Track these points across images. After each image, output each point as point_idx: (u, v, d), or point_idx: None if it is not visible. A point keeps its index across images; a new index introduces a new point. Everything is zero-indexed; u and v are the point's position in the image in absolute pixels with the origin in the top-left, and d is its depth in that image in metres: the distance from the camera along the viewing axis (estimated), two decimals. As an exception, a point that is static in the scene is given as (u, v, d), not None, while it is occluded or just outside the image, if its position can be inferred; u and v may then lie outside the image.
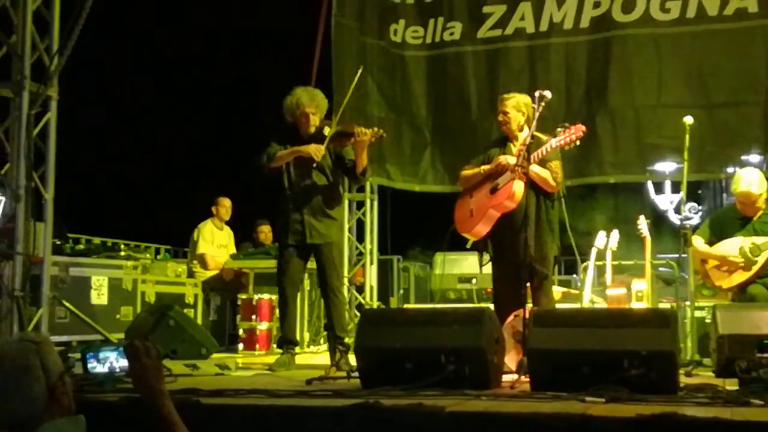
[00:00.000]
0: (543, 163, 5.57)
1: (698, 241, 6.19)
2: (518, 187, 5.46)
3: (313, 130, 6.03)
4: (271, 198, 6.16)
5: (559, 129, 5.54)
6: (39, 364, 2.50)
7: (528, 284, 5.57)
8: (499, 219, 5.51)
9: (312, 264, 6.33)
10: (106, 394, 4.02)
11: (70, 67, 6.44)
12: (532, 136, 5.59)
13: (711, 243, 6.22)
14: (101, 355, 4.35)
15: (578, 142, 5.53)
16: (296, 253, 6.05)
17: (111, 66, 11.22)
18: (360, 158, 5.92)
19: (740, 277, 6.03)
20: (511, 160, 5.56)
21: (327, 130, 5.95)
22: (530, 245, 5.40)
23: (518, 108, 5.74)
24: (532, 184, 5.52)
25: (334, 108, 6.48)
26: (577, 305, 6.39)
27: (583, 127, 5.50)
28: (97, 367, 4.31)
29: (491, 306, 5.93)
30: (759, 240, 5.98)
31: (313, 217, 5.98)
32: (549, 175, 5.59)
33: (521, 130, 5.79)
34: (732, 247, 6.07)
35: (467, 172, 5.87)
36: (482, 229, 5.56)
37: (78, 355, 4.45)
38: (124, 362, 4.05)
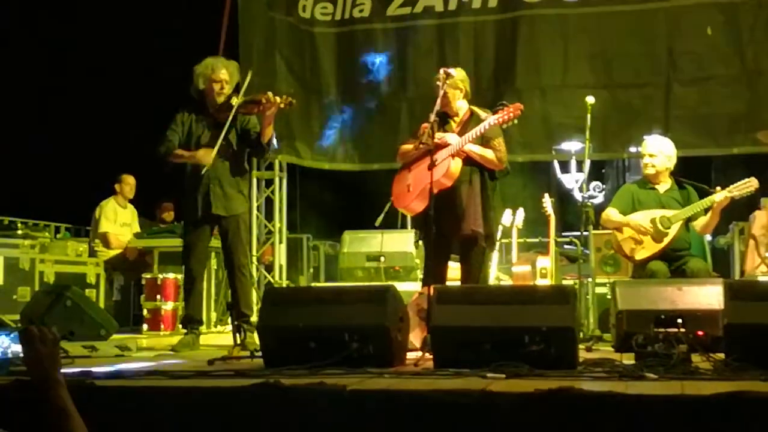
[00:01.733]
0: (485, 140, 5.56)
1: (613, 212, 6.25)
2: (455, 164, 5.47)
3: (222, 99, 5.93)
4: (174, 176, 6.03)
5: (498, 107, 5.53)
6: None
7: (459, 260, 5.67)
8: (440, 195, 5.41)
9: (218, 242, 6.24)
10: (-5, 378, 3.87)
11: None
12: (471, 112, 5.66)
13: (625, 214, 6.28)
14: (-6, 339, 4.17)
15: (516, 121, 5.50)
16: (201, 227, 5.95)
17: (5, 34, 10.79)
18: (266, 128, 5.84)
19: (652, 248, 6.09)
20: (451, 138, 5.53)
21: (235, 100, 5.86)
22: (476, 221, 5.50)
23: (455, 85, 5.68)
24: (474, 162, 5.55)
25: (240, 84, 6.36)
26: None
27: (521, 106, 5.48)
28: (-11, 352, 4.14)
29: (400, 285, 5.98)
30: (669, 212, 6.10)
31: (219, 188, 5.89)
32: (492, 153, 5.58)
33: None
34: (643, 218, 6.15)
35: (406, 146, 5.76)
36: (418, 205, 5.50)
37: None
38: (17, 347, 3.91)
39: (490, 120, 5.49)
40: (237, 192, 5.99)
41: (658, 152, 6.23)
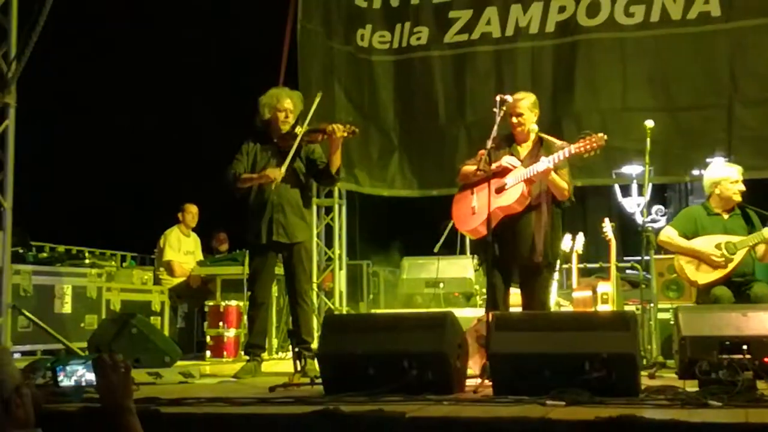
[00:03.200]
0: (555, 169, 5.52)
1: (673, 232, 6.20)
2: (528, 190, 5.48)
3: (287, 128, 6.02)
4: (230, 206, 6.12)
5: (580, 135, 5.49)
6: None
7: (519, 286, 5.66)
8: (508, 220, 5.46)
9: (280, 270, 6.31)
10: (66, 405, 3.96)
11: (29, 73, 6.37)
12: (540, 138, 5.67)
13: (686, 237, 6.22)
14: (69, 368, 4.28)
15: (598, 151, 5.45)
16: (266, 254, 6.02)
17: (71, 71, 11.09)
18: (334, 156, 5.92)
19: (717, 273, 6.02)
20: (516, 162, 5.55)
21: (299, 129, 5.95)
22: (544, 249, 5.49)
23: (531, 108, 5.68)
24: (546, 189, 5.54)
25: (303, 115, 6.45)
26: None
27: (605, 137, 5.43)
28: (64, 381, 4.25)
29: (459, 311, 5.98)
30: (735, 239, 6.03)
31: (283, 216, 5.96)
32: (565, 183, 5.54)
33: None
34: (707, 243, 6.09)
35: (468, 168, 5.69)
36: (483, 228, 5.40)
37: (48, 367, 4.37)
38: (91, 376, 3.99)
39: (571, 148, 5.43)
40: (300, 220, 6.06)
41: (731, 182, 6.20)
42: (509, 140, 5.73)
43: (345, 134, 5.85)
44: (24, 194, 6.53)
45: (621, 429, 3.13)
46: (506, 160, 5.57)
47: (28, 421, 2.49)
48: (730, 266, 6.00)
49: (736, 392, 3.74)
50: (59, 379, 4.20)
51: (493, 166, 5.54)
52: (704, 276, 6.05)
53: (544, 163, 5.43)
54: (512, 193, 5.49)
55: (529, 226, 5.53)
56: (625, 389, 3.91)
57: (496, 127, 5.42)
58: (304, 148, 6.01)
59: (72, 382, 4.20)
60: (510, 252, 5.51)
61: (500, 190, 5.50)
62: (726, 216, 6.21)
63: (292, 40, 9.10)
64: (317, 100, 6.11)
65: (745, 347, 4.54)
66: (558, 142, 5.59)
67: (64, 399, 4.12)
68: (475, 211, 5.54)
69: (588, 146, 5.39)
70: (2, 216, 6.36)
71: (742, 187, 6.23)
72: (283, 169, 5.86)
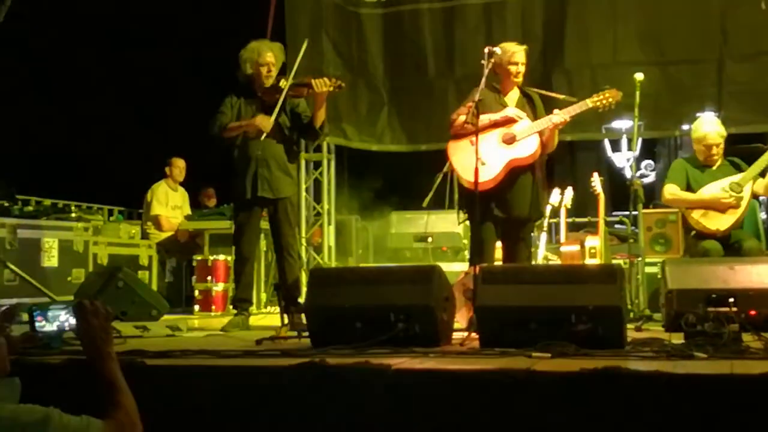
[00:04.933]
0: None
1: (675, 189, 6.21)
2: (541, 142, 5.55)
3: (270, 82, 5.95)
4: (218, 161, 6.07)
5: (602, 89, 5.68)
6: None
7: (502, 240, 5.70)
8: (512, 174, 5.53)
9: (266, 224, 6.28)
10: (49, 357, 3.95)
11: (8, 23, 6.26)
12: (522, 91, 5.73)
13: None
14: (50, 313, 4.27)
15: (613, 106, 5.63)
16: (251, 209, 6.00)
17: (57, 19, 10.93)
18: (318, 111, 5.86)
19: (733, 215, 6.05)
20: (520, 113, 5.59)
21: (283, 83, 5.88)
22: (537, 203, 5.62)
23: (524, 60, 5.71)
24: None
25: (288, 66, 6.38)
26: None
27: (620, 93, 5.63)
28: (45, 326, 4.24)
29: (448, 265, 5.98)
30: (735, 178, 6.07)
31: (267, 171, 5.91)
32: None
33: None
34: (713, 190, 6.11)
35: (461, 117, 5.56)
36: (495, 180, 5.48)
37: (26, 316, 4.36)
38: (74, 321, 3.98)
39: (588, 102, 5.58)
40: (285, 175, 6.01)
41: (720, 137, 6.20)
42: (496, 92, 5.71)
43: (330, 88, 5.79)
44: (9, 148, 6.46)
45: (606, 380, 3.13)
46: (512, 112, 5.59)
47: (4, 370, 2.49)
48: (743, 204, 6.06)
49: (721, 344, 3.75)
50: (37, 324, 4.20)
51: (497, 116, 5.54)
52: (723, 221, 6.08)
53: (560, 116, 5.50)
54: (528, 144, 5.53)
55: (528, 180, 5.56)
56: (611, 342, 3.92)
57: (484, 80, 5.38)
58: (288, 101, 5.95)
59: (54, 327, 4.20)
60: (506, 206, 5.52)
61: (510, 141, 5.50)
62: (714, 167, 6.24)
63: (279, -8, 9.00)
64: (303, 47, 6.03)
65: (731, 300, 4.55)
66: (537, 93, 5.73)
67: (41, 343, 4.12)
68: (484, 162, 5.46)
69: (605, 101, 5.58)
70: (-14, 169, 6.30)
71: (719, 147, 6.23)
72: (272, 119, 5.81)
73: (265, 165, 5.91)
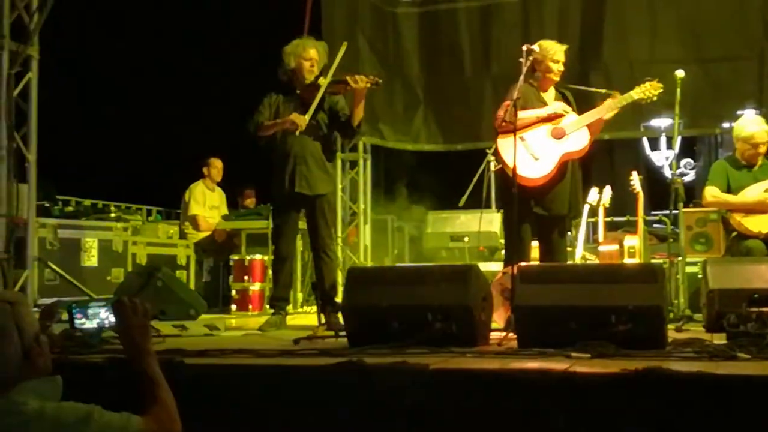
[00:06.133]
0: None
1: (716, 191, 6.17)
2: (590, 135, 5.62)
3: (311, 78, 5.96)
4: (257, 161, 6.09)
5: (645, 80, 5.77)
6: (13, 325, 2.47)
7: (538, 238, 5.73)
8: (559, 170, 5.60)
9: (304, 224, 6.29)
10: (90, 356, 3.99)
11: (52, 24, 6.34)
12: (560, 91, 5.78)
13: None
14: (90, 311, 4.32)
15: (655, 98, 5.73)
16: (289, 208, 6.00)
17: (95, 23, 11.05)
18: (356, 109, 5.85)
19: None
20: (566, 108, 5.66)
21: (322, 80, 5.89)
22: (576, 201, 5.71)
23: (562, 59, 5.76)
24: None
25: (327, 66, 6.39)
26: (569, 261, 6.35)
27: (661, 86, 5.71)
28: (85, 323, 4.29)
29: (485, 264, 5.97)
30: None
31: (305, 167, 5.91)
32: None
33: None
34: (756, 192, 6.05)
35: (514, 113, 5.43)
36: (548, 176, 5.55)
37: (65, 314, 4.41)
38: (113, 318, 4.02)
39: (633, 94, 5.67)
40: (323, 172, 6.00)
41: (767, 135, 6.13)
42: (534, 88, 5.72)
43: (368, 85, 5.78)
44: (50, 148, 6.54)
45: (647, 381, 3.09)
46: (559, 106, 5.64)
47: (47, 368, 2.52)
48: None
49: (765, 345, 3.69)
50: (77, 321, 4.24)
51: (542, 112, 5.57)
52: (766, 222, 6.01)
53: (610, 109, 5.58)
54: (579, 138, 5.58)
55: (568, 176, 5.57)
56: (652, 342, 3.86)
57: (522, 77, 5.36)
58: (327, 99, 5.95)
59: (94, 325, 4.25)
60: (547, 203, 5.54)
61: (560, 135, 5.51)
62: (755, 167, 6.17)
63: (316, -7, 9.02)
64: (342, 50, 6.03)
65: (774, 300, 4.47)
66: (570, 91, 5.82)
67: (80, 341, 4.16)
68: (537, 158, 5.50)
69: (648, 92, 5.67)
70: (27, 169, 6.38)
71: (765, 146, 6.15)
72: (308, 116, 5.81)
73: (303, 162, 5.91)
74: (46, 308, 4.19)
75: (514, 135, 5.19)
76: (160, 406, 2.55)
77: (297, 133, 5.81)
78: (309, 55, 5.96)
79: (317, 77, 5.98)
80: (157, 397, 2.57)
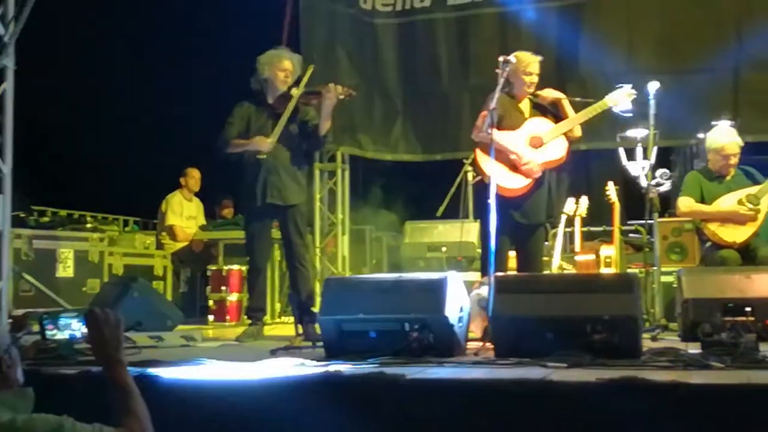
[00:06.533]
0: None
1: (690, 201, 6.21)
2: (567, 143, 5.72)
3: (284, 89, 5.96)
4: (235, 169, 6.08)
5: (615, 88, 5.93)
6: None
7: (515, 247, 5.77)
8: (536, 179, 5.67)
9: (279, 234, 6.28)
10: (63, 368, 3.96)
11: (27, 35, 6.29)
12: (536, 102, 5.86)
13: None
14: (61, 322, 4.29)
15: (629, 104, 5.89)
16: (262, 218, 5.99)
17: (71, 32, 10.99)
18: (325, 119, 5.86)
19: (751, 227, 6.06)
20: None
21: (295, 91, 5.89)
22: (551, 205, 5.78)
23: (537, 70, 5.84)
24: None
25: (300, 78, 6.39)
26: (546, 271, 6.38)
27: (634, 92, 5.87)
28: (57, 334, 4.26)
29: (463, 275, 5.96)
30: (752, 190, 6.07)
31: (277, 178, 5.91)
32: None
33: None
34: (729, 202, 6.09)
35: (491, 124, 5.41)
36: (527, 185, 5.63)
37: (36, 325, 4.37)
38: (84, 329, 4.00)
39: (607, 101, 5.80)
40: (295, 182, 6.00)
41: (738, 148, 6.19)
42: (510, 99, 5.80)
43: (342, 96, 5.80)
44: (25, 158, 6.48)
45: (622, 390, 3.11)
46: (533, 127, 5.74)
47: (17, 381, 2.50)
48: (761, 216, 6.06)
49: (738, 354, 3.72)
50: (48, 332, 4.21)
51: (515, 149, 5.61)
52: (740, 233, 6.08)
53: (585, 116, 5.72)
54: (557, 147, 5.67)
55: (545, 185, 5.63)
56: (627, 351, 3.90)
57: (498, 88, 5.38)
58: (301, 109, 5.96)
59: (65, 336, 4.22)
60: (526, 212, 5.58)
61: (538, 145, 5.56)
62: (728, 177, 6.22)
63: (294, 3, 9.02)
64: (308, 73, 6.05)
65: (748, 309, 4.52)
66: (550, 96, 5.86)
67: (54, 352, 4.13)
68: (517, 168, 5.61)
69: (621, 99, 5.83)
70: (2, 180, 6.32)
71: (736, 158, 6.23)
72: (274, 137, 5.82)
73: (275, 172, 5.91)
74: (16, 319, 4.16)
75: (491, 145, 5.21)
76: (132, 417, 2.54)
77: (258, 157, 5.81)
78: (284, 66, 5.97)
79: (289, 88, 5.98)
80: (129, 409, 2.55)
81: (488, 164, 5.53)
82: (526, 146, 5.63)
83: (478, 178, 5.91)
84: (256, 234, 6.02)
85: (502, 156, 5.56)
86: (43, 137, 10.27)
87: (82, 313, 3.73)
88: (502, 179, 5.44)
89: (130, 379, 2.63)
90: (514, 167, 5.62)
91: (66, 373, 3.82)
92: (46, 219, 7.90)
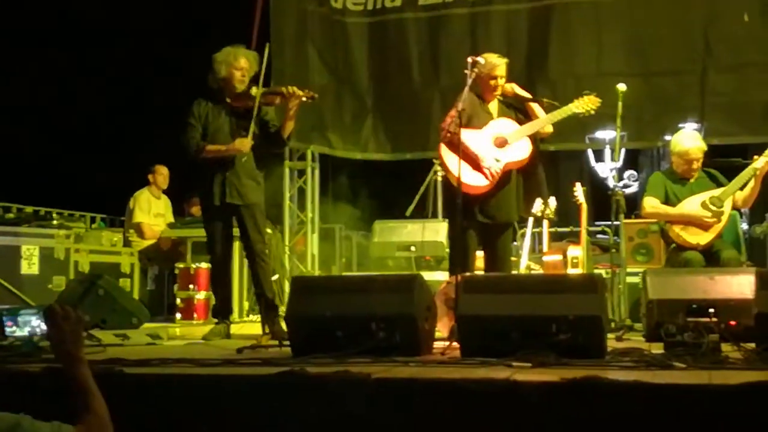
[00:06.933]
0: None
1: (655, 202, 6.25)
2: (532, 145, 5.73)
3: (242, 88, 5.93)
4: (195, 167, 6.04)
5: (582, 94, 5.95)
6: None
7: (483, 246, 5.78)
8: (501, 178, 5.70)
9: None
10: (27, 365, 3.92)
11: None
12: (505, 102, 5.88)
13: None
14: (20, 318, 4.25)
15: (592, 112, 5.92)
16: (220, 217, 5.96)
17: (39, 25, 10.89)
18: (289, 121, 5.84)
19: (714, 230, 6.11)
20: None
21: (255, 90, 5.86)
22: (518, 204, 5.80)
23: (503, 72, 5.86)
24: None
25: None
26: (514, 272, 6.41)
27: (600, 100, 5.91)
28: (16, 331, 4.22)
29: (432, 274, 6.00)
30: (715, 192, 6.12)
31: (236, 178, 5.88)
32: None
33: None
34: (693, 204, 6.15)
35: (459, 124, 5.48)
36: (491, 183, 5.64)
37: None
38: (44, 326, 3.97)
39: (572, 107, 5.81)
40: (253, 182, 5.99)
41: (701, 152, 6.25)
42: (479, 99, 5.82)
43: (303, 99, 5.79)
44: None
45: (585, 390, 3.14)
46: (496, 127, 5.73)
47: None
48: (724, 219, 6.13)
49: (700, 354, 3.77)
50: (8, 329, 4.17)
51: (474, 146, 5.59)
52: (704, 236, 6.12)
53: (549, 121, 5.74)
54: (521, 148, 5.68)
55: (512, 183, 5.66)
56: (592, 351, 3.93)
57: (467, 89, 5.41)
58: (261, 110, 5.94)
59: (25, 332, 4.18)
60: (491, 211, 5.60)
61: (502, 144, 5.59)
62: (692, 180, 6.28)
63: (265, 1, 8.98)
64: (266, 51, 6.02)
65: (711, 310, 4.57)
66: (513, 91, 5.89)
67: (17, 350, 4.09)
68: (481, 168, 5.61)
69: (586, 106, 5.82)
70: (-35, 176, 6.25)
71: (699, 162, 6.29)
72: (250, 137, 5.80)
73: (233, 172, 5.89)
74: None
75: (458, 145, 5.23)
76: (92, 415, 2.52)
77: (243, 159, 5.81)
78: (240, 65, 5.93)
79: (249, 86, 5.95)
80: (89, 407, 2.53)
81: (451, 160, 5.57)
82: (490, 146, 5.65)
83: (444, 175, 5.95)
84: (216, 232, 5.99)
85: (466, 154, 5.58)
86: (9, 133, 10.16)
87: (42, 309, 3.70)
88: (465, 177, 5.47)
89: (90, 377, 2.61)
90: (477, 166, 5.64)
91: (31, 370, 3.78)
92: (11, 215, 7.80)
